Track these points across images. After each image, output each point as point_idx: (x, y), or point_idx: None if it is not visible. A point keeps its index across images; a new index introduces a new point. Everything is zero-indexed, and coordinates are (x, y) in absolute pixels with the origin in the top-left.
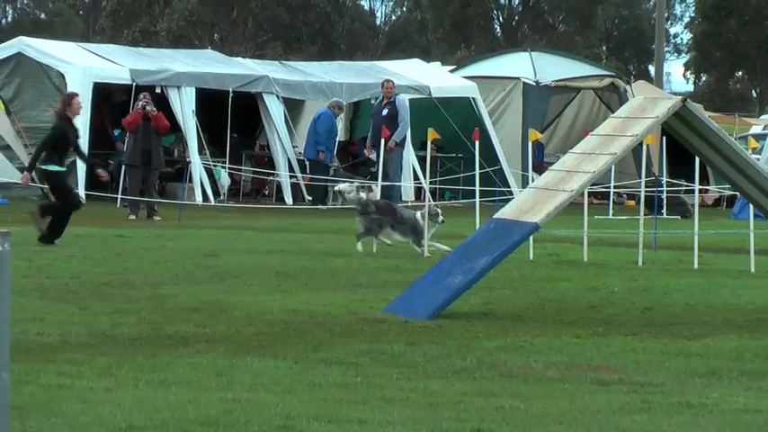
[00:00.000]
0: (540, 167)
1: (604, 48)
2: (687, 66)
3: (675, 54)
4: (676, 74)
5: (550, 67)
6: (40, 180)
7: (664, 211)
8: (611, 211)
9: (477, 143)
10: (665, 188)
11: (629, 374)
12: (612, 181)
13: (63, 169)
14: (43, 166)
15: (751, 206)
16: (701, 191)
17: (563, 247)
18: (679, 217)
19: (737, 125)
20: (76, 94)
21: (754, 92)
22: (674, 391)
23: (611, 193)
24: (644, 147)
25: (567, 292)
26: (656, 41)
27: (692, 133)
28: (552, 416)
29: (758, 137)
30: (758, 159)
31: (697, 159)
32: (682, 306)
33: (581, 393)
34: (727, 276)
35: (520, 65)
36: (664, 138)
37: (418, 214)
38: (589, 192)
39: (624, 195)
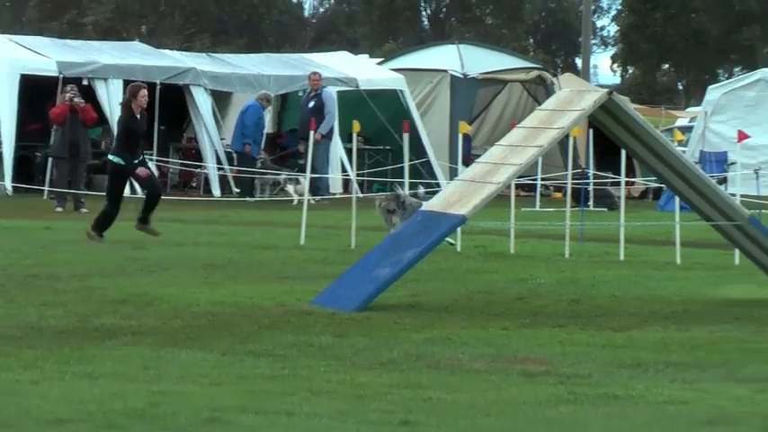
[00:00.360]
0: (467, 160)
1: (532, 40)
2: (614, 58)
3: (602, 47)
4: (603, 66)
5: (478, 60)
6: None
7: (590, 203)
8: (538, 204)
9: (406, 135)
10: (591, 180)
11: (555, 366)
12: (540, 173)
13: (124, 163)
14: (109, 155)
15: (677, 198)
16: (627, 183)
17: (490, 240)
18: (606, 209)
19: (664, 117)
20: (143, 87)
21: (680, 84)
22: (600, 382)
23: (539, 186)
24: (570, 139)
25: (495, 284)
26: (582, 34)
27: (618, 126)
28: (479, 408)
29: (684, 129)
30: (684, 152)
31: (623, 152)
32: (608, 298)
33: (508, 385)
34: (653, 268)
35: (447, 57)
36: (590, 130)
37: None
38: (516, 184)
39: (551, 187)
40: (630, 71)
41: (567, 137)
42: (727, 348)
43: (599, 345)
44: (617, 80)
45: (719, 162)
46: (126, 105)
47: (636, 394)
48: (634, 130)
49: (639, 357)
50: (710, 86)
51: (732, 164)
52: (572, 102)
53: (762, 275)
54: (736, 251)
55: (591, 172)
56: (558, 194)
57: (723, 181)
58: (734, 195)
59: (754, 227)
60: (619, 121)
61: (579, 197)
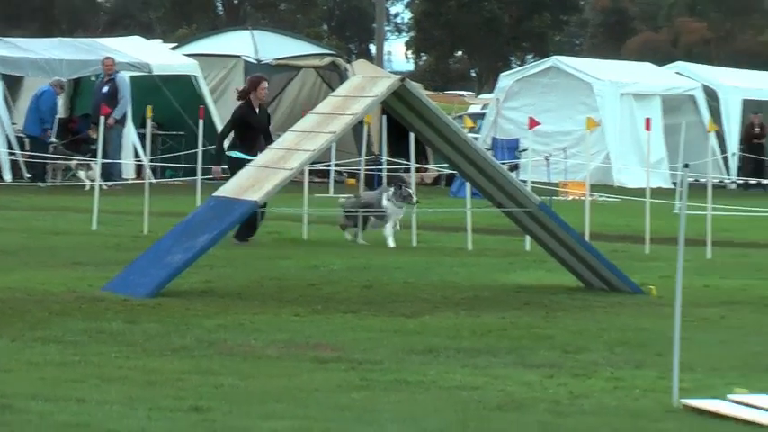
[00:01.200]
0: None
1: (326, 26)
2: (408, 45)
3: (397, 33)
4: (398, 53)
5: (272, 46)
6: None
7: None
8: (332, 190)
9: (201, 121)
10: (384, 167)
11: (347, 352)
12: (333, 159)
13: (247, 157)
14: (227, 152)
15: (468, 185)
16: (420, 170)
17: (283, 225)
18: None
19: (457, 104)
20: (265, 79)
21: (473, 72)
22: (391, 368)
23: (332, 172)
24: (365, 126)
25: (288, 270)
26: (376, 21)
27: (410, 112)
28: (271, 394)
29: (476, 116)
30: (477, 138)
31: (414, 137)
32: (401, 284)
33: (300, 371)
34: (445, 254)
35: (241, 43)
36: (384, 117)
37: (384, 198)
38: (310, 170)
39: (345, 174)
40: (424, 58)
41: (360, 123)
42: (517, 334)
43: (391, 331)
44: (411, 67)
45: (511, 149)
46: (244, 96)
47: (427, 380)
48: (426, 116)
49: (431, 343)
50: (503, 74)
51: (524, 150)
52: (365, 88)
53: (551, 261)
54: (527, 237)
55: (384, 158)
56: (352, 181)
57: (514, 168)
58: (525, 182)
59: (544, 213)
60: (411, 108)
61: (373, 183)
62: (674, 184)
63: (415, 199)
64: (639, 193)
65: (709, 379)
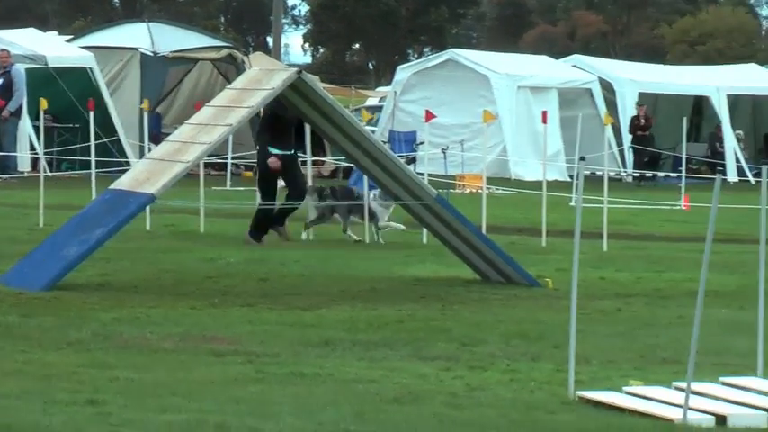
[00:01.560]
0: (157, 138)
1: (223, 19)
2: (305, 38)
3: (294, 26)
4: (295, 46)
5: (168, 38)
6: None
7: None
8: (228, 183)
9: (92, 113)
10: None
11: (244, 345)
12: (230, 152)
13: (280, 152)
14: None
15: (366, 178)
16: (318, 162)
17: (180, 218)
18: None
19: (354, 97)
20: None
21: (370, 65)
22: (288, 361)
23: (229, 164)
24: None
25: (184, 263)
26: (273, 13)
27: (307, 105)
28: (167, 387)
29: (374, 109)
30: (374, 131)
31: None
32: (298, 276)
33: (196, 364)
34: (342, 247)
35: (137, 35)
36: None
37: (370, 198)
38: (206, 163)
39: (242, 167)
40: (321, 51)
41: (257, 116)
42: (413, 327)
43: (287, 323)
44: (308, 60)
45: (408, 142)
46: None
47: (324, 372)
48: (323, 109)
49: (327, 336)
50: (400, 66)
51: (421, 143)
52: (261, 81)
53: (449, 255)
54: (424, 230)
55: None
56: (249, 173)
57: (412, 160)
58: (422, 175)
59: (441, 206)
60: (308, 101)
61: None
62: (571, 176)
63: None
64: (536, 185)
65: (605, 371)
